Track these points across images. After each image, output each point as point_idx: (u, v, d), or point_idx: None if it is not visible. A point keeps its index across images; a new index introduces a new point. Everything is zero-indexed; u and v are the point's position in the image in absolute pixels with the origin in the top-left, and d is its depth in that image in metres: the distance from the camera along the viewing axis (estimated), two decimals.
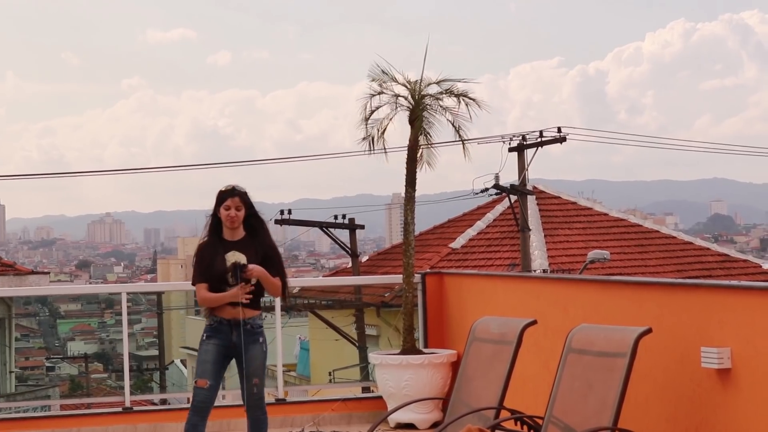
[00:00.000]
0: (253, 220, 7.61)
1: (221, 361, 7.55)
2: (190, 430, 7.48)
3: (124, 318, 10.94)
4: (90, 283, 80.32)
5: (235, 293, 7.39)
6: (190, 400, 7.65)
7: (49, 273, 31.27)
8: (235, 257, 7.45)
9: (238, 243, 7.53)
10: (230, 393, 11.72)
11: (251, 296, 7.42)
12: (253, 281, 7.41)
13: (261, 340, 7.57)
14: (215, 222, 7.60)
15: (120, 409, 10.38)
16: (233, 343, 7.48)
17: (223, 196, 7.52)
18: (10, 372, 25.85)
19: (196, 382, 7.52)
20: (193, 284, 7.62)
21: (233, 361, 7.64)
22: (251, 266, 7.35)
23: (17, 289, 21.99)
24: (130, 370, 10.86)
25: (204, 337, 7.58)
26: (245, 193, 7.57)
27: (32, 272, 26.10)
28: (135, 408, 10.42)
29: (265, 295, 7.69)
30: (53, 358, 56.43)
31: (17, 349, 30.99)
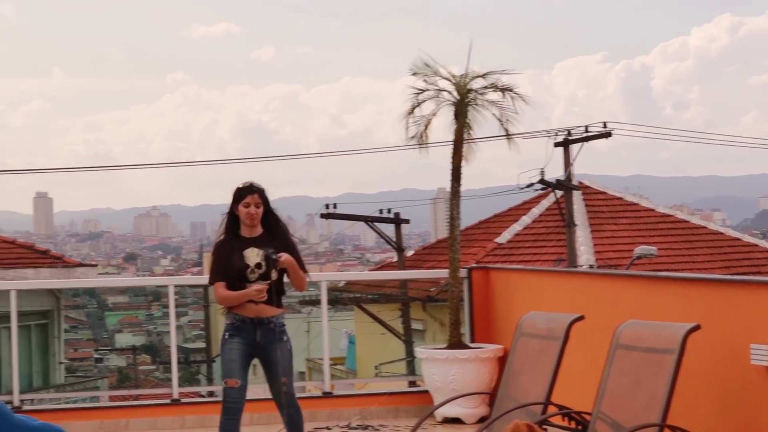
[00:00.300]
0: (270, 217, 7.55)
1: (246, 359, 7.45)
2: None
3: (172, 310, 11.04)
4: (137, 275, 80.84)
5: (253, 292, 7.31)
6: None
7: (96, 265, 31.49)
8: (254, 254, 7.39)
9: (256, 240, 7.47)
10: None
11: (266, 295, 7.30)
12: (274, 276, 7.33)
13: (285, 338, 7.48)
14: (232, 220, 7.54)
15: (168, 401, 10.47)
16: (257, 342, 7.40)
17: (242, 193, 7.47)
18: (60, 363, 26.10)
19: (225, 382, 7.44)
20: (211, 283, 7.53)
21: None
22: (283, 255, 7.29)
23: (66, 281, 22.20)
24: (178, 363, 10.94)
25: (226, 336, 7.48)
26: (263, 190, 7.52)
27: (80, 264, 26.32)
28: (183, 400, 10.50)
29: (287, 292, 7.64)
30: (101, 349, 56.93)
31: (66, 341, 31.26)
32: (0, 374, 18.58)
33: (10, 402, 10.02)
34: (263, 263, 7.32)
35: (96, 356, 54.72)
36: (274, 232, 7.52)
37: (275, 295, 7.37)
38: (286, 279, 7.49)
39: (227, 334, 7.47)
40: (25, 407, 10.27)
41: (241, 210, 7.44)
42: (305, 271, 7.56)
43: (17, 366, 10.62)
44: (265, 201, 7.49)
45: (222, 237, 7.58)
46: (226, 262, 7.42)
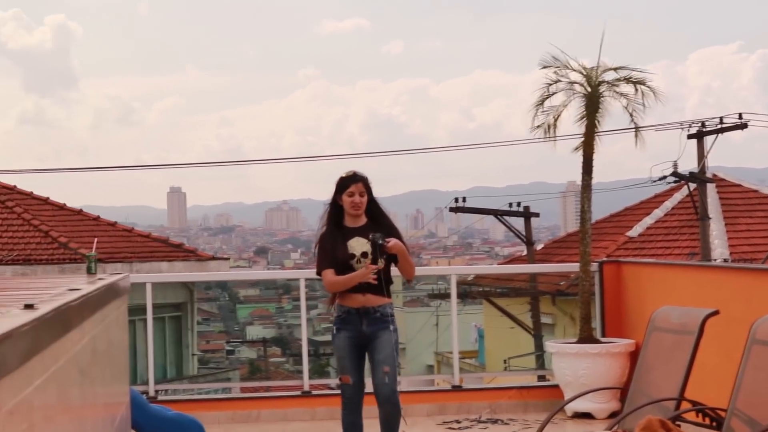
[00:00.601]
0: (374, 206, 7.39)
1: (357, 352, 7.32)
2: (347, 430, 7.45)
3: (303, 303, 11.13)
4: (268, 269, 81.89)
5: (363, 273, 7.16)
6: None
7: (228, 259, 32.01)
8: (359, 243, 7.25)
9: (360, 229, 7.32)
10: (405, 378, 11.81)
11: (376, 276, 7.12)
12: (381, 264, 7.15)
13: (392, 328, 7.25)
14: (335, 210, 7.39)
15: (299, 393, 10.57)
16: (363, 332, 7.25)
17: (346, 182, 7.31)
18: (193, 354, 26.59)
19: (340, 378, 7.43)
20: (319, 272, 7.39)
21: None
22: (391, 240, 7.13)
23: (199, 274, 22.60)
24: (308, 355, 11.04)
25: (334, 330, 7.41)
26: (367, 179, 7.35)
27: (213, 258, 26.78)
28: (313, 392, 10.59)
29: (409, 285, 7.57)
30: (233, 341, 57.79)
31: (199, 333, 31.83)
32: (136, 365, 18.98)
33: (145, 392, 10.23)
34: (370, 250, 7.18)
35: (227, 348, 55.56)
36: (379, 222, 7.36)
37: (383, 283, 7.21)
38: (393, 269, 7.38)
39: (335, 328, 7.39)
40: (160, 397, 10.47)
41: (345, 199, 7.29)
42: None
43: (153, 357, 10.84)
44: (368, 190, 7.35)
45: (324, 228, 7.45)
46: (332, 253, 7.29)
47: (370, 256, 7.21)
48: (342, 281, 7.23)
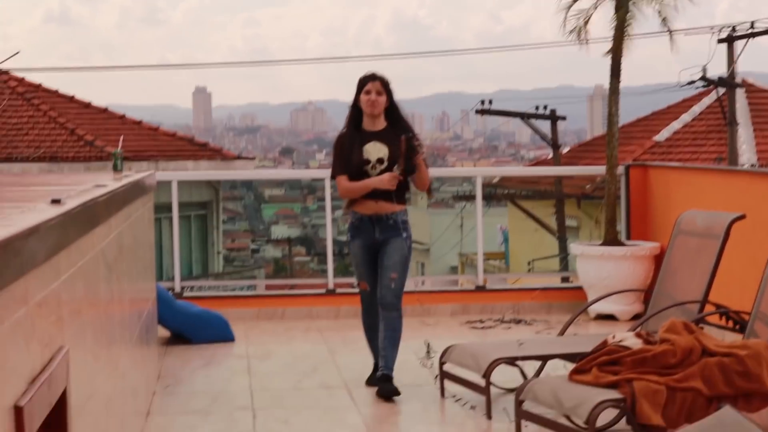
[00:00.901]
0: (393, 110, 7.21)
1: (371, 259, 7.25)
2: (368, 331, 7.44)
3: (328, 203, 11.14)
4: (293, 169, 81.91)
5: (380, 179, 7.04)
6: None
7: (254, 158, 31.99)
8: (376, 148, 7.11)
9: (379, 134, 7.17)
10: (429, 279, 11.91)
11: (395, 186, 7.01)
12: (397, 171, 6.98)
13: (405, 235, 7.15)
14: (355, 113, 7.23)
15: (323, 291, 10.64)
16: (376, 239, 7.16)
17: (364, 80, 7.14)
18: (218, 253, 26.74)
19: (358, 284, 7.42)
20: (333, 177, 7.28)
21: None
22: (424, 147, 7.09)
23: (225, 172, 22.65)
24: (333, 254, 11.09)
25: (349, 237, 7.35)
26: (387, 80, 7.17)
27: (238, 157, 26.78)
28: (338, 290, 10.66)
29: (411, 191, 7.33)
30: (258, 240, 58.16)
31: (224, 231, 31.99)
32: (162, 262, 19.11)
33: (171, 288, 10.32)
34: (387, 156, 7.05)
35: (253, 247, 55.93)
36: (399, 127, 7.17)
37: (398, 190, 7.12)
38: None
39: (349, 234, 7.33)
40: (186, 294, 10.56)
41: (362, 98, 7.12)
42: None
43: (179, 254, 10.92)
44: (388, 92, 7.16)
45: (344, 130, 7.31)
46: (348, 156, 7.14)
47: (386, 162, 7.08)
48: (357, 187, 7.12)
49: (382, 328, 7.14)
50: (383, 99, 7.12)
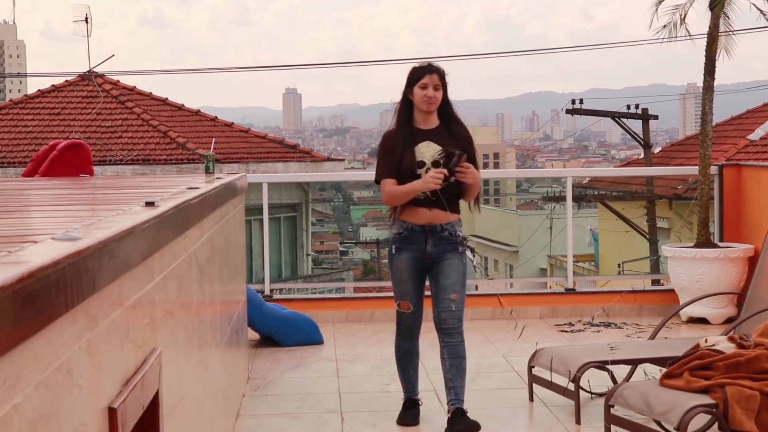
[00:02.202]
0: (447, 107, 6.38)
1: (418, 277, 6.37)
2: (403, 358, 6.59)
3: None
4: None
5: (426, 180, 6.11)
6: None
7: (343, 160, 32.14)
8: (429, 148, 6.24)
9: (432, 132, 6.33)
10: (518, 281, 11.81)
11: (443, 182, 6.06)
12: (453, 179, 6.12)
13: (462, 249, 6.27)
14: (406, 108, 6.36)
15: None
16: (428, 253, 6.26)
17: (419, 72, 6.29)
18: (307, 255, 26.90)
19: (398, 304, 6.46)
20: (377, 180, 6.36)
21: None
22: (470, 167, 6.15)
23: (314, 174, 22.77)
24: None
25: (393, 250, 6.41)
26: (444, 72, 6.36)
27: (328, 159, 26.94)
28: (427, 292, 10.62)
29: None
30: (347, 242, 58.40)
31: (313, 233, 32.16)
32: (252, 264, 19.29)
33: (261, 291, 10.39)
34: (441, 161, 6.13)
35: (341, 249, 56.15)
36: (452, 129, 6.37)
37: (451, 197, 6.23)
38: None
39: (393, 247, 6.39)
40: (275, 296, 10.63)
41: (417, 92, 6.26)
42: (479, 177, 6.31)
43: (269, 257, 11.00)
44: (444, 86, 6.34)
45: (393, 128, 6.43)
46: (396, 158, 6.27)
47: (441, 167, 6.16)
48: (400, 192, 6.22)
49: (445, 357, 6.25)
50: (440, 95, 6.30)
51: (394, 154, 6.26)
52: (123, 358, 2.99)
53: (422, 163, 6.20)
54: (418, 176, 6.17)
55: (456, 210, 6.28)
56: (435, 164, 6.14)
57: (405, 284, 6.37)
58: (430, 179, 6.04)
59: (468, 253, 6.31)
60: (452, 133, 6.33)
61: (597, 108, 28.60)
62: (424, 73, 6.26)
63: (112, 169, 21.92)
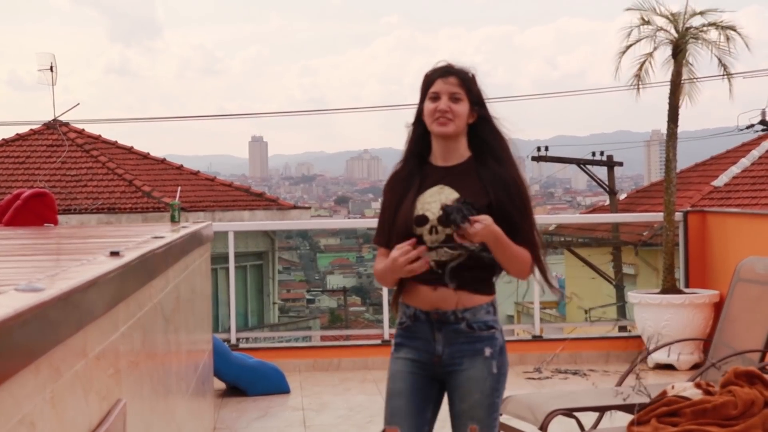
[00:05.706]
0: (484, 127, 4.16)
1: (421, 388, 4.19)
2: None
3: None
4: (348, 218, 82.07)
5: (394, 256, 4.02)
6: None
7: (309, 208, 32.13)
8: (440, 197, 4.10)
9: (451, 172, 4.15)
10: None
11: (422, 266, 4.00)
12: (472, 246, 3.99)
13: (489, 352, 4.10)
14: (419, 135, 4.21)
15: (379, 342, 10.62)
16: (437, 354, 4.14)
17: (430, 77, 4.17)
18: (274, 303, 26.82)
19: (384, 430, 4.22)
20: (375, 243, 4.32)
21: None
22: (481, 218, 3.92)
23: (280, 222, 22.74)
24: (388, 304, 11.07)
25: (394, 347, 4.28)
26: (469, 76, 4.16)
27: (294, 207, 26.91)
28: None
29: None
30: (313, 290, 58.28)
31: (280, 281, 32.09)
32: (218, 313, 19.20)
33: (227, 340, 10.34)
34: (446, 218, 3.97)
35: (308, 297, 56.02)
36: (487, 161, 4.14)
37: (475, 270, 4.10)
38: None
39: (394, 343, 4.29)
40: (241, 345, 10.58)
41: (427, 107, 4.12)
42: (535, 237, 4.14)
43: (234, 305, 10.95)
44: (472, 96, 4.14)
45: (400, 165, 4.30)
46: (394, 211, 4.19)
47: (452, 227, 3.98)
48: (381, 272, 4.18)
49: None
50: (463, 108, 4.11)
51: (392, 205, 4.21)
52: (87, 410, 2.96)
53: (423, 220, 4.10)
54: (420, 237, 4.07)
55: (483, 289, 4.15)
56: (441, 222, 4.04)
57: (397, 399, 4.20)
58: (398, 255, 4.00)
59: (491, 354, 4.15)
60: (484, 171, 4.13)
61: (562, 155, 28.79)
62: (436, 77, 4.15)
63: (77, 218, 21.79)
